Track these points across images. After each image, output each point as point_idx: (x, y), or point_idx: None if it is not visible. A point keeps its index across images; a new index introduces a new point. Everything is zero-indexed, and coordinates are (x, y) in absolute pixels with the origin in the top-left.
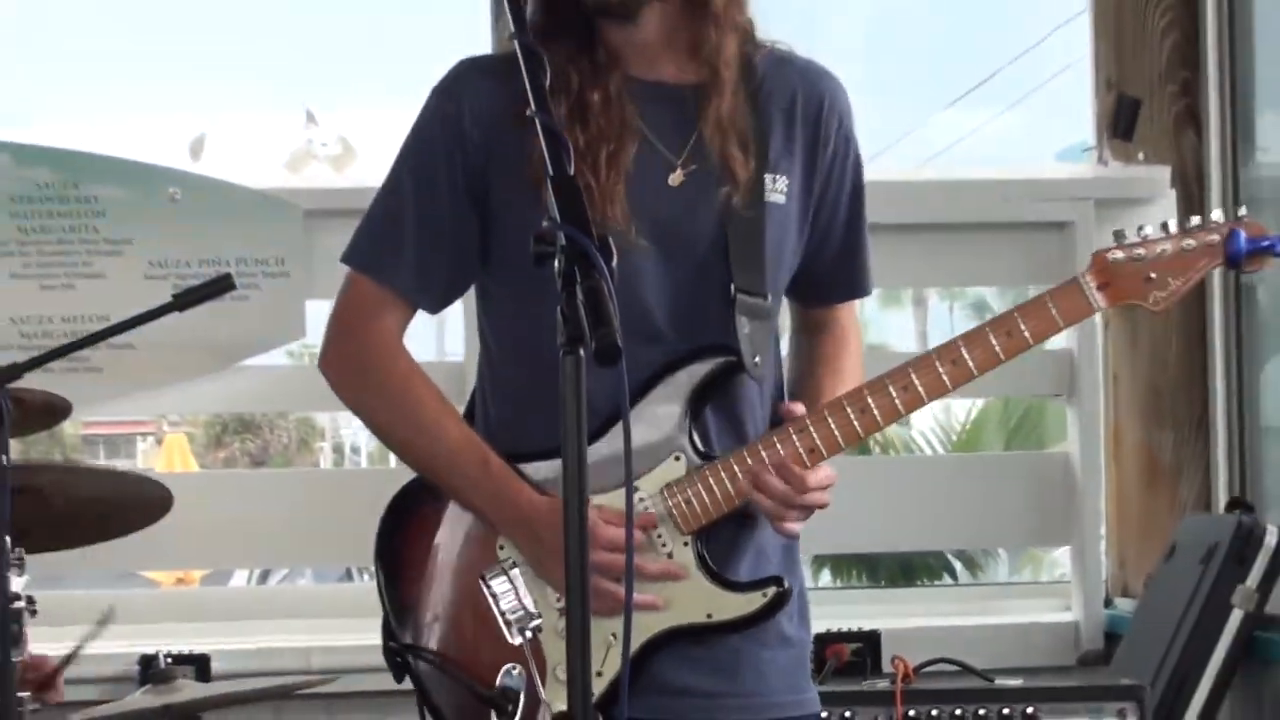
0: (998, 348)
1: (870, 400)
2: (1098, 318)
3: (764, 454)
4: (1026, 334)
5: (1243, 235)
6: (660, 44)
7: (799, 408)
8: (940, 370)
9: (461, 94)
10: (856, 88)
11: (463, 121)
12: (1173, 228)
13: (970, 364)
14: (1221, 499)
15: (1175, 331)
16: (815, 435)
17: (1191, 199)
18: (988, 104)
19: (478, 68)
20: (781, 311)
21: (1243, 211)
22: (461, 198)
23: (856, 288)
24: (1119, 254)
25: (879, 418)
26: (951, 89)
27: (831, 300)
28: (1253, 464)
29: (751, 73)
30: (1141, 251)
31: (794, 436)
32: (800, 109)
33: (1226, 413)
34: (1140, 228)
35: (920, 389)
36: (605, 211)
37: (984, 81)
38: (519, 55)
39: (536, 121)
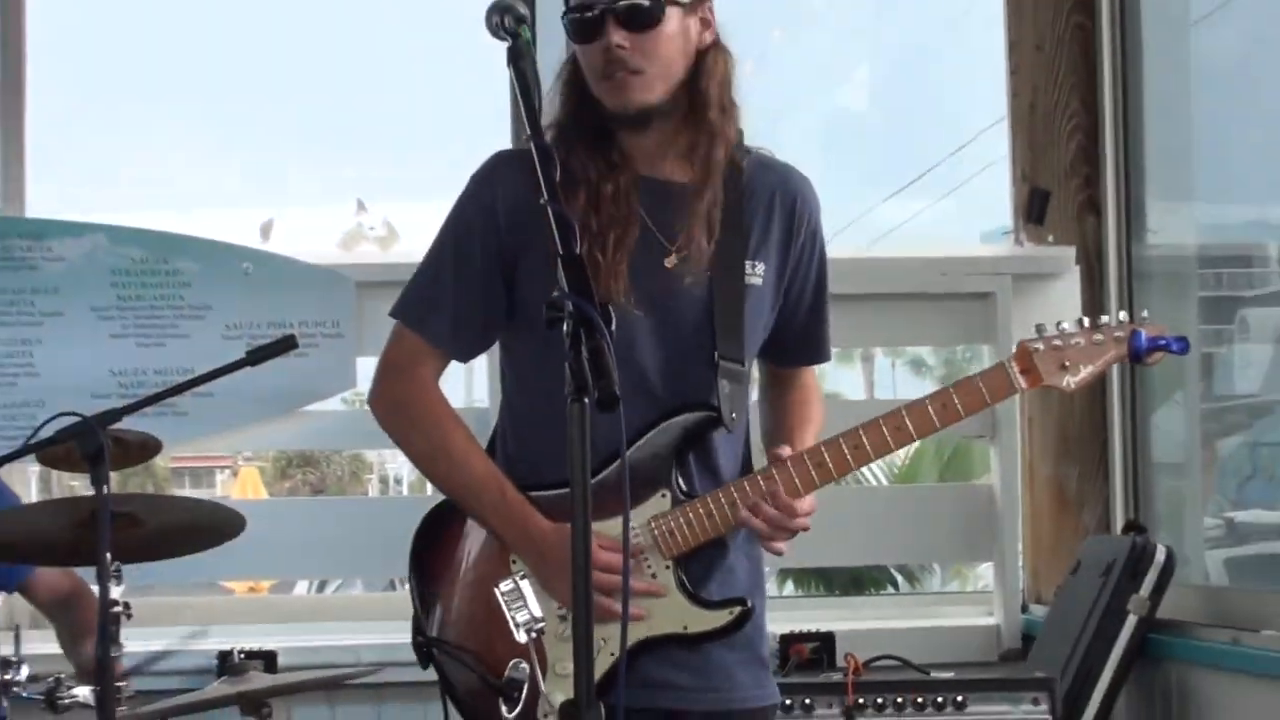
0: (934, 417)
1: (826, 456)
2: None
3: (735, 495)
4: (959, 407)
5: (1144, 334)
6: (663, 148)
7: (786, 449)
8: (885, 433)
9: (496, 182)
10: (815, 181)
11: (496, 205)
12: (1086, 323)
13: (910, 429)
14: (1118, 523)
15: None
16: (779, 481)
17: (1093, 274)
18: (924, 194)
19: (509, 159)
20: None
21: (1144, 314)
22: (493, 268)
23: (818, 354)
24: (1039, 345)
25: (833, 471)
26: (895, 182)
27: (797, 363)
28: (1144, 494)
29: (738, 174)
30: (1058, 343)
31: (761, 482)
32: (778, 206)
33: (1123, 452)
34: (1059, 323)
35: (868, 447)
36: (609, 284)
37: (921, 175)
38: (534, 154)
39: (548, 208)
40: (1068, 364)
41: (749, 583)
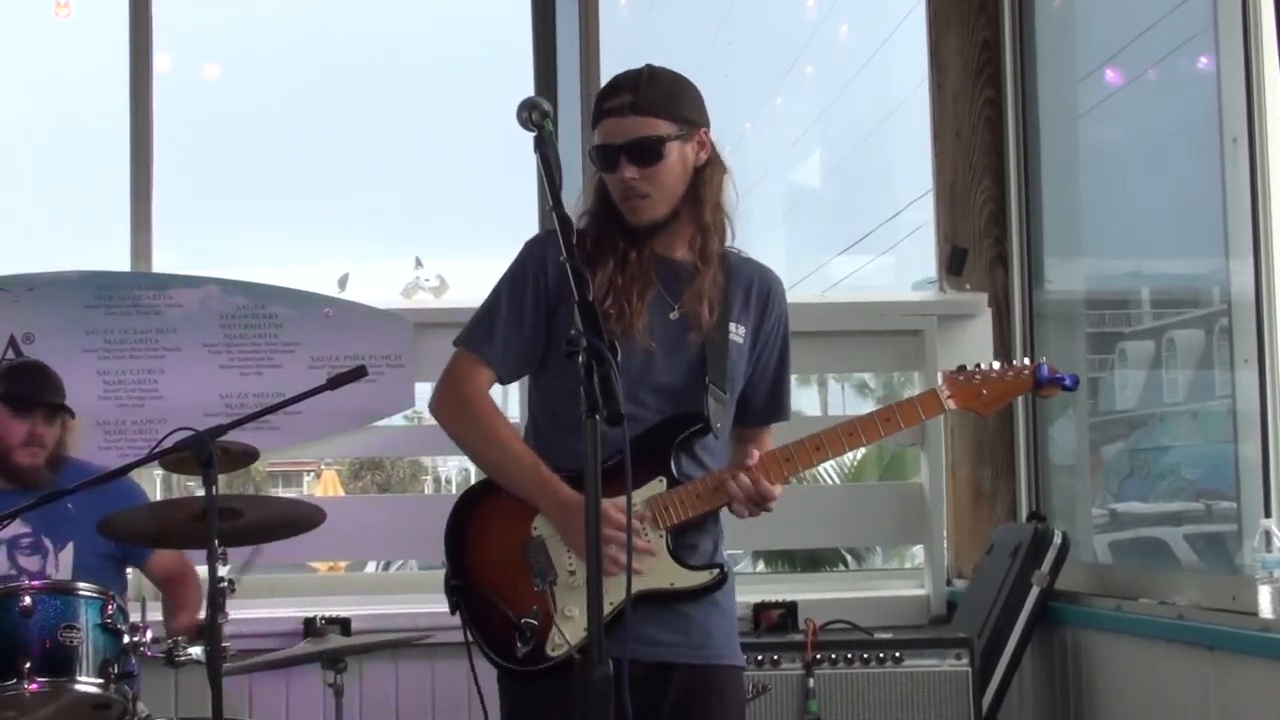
0: (880, 428)
1: (794, 453)
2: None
3: (717, 480)
4: (900, 421)
5: (1045, 367)
6: (673, 236)
7: (755, 453)
8: (842, 439)
9: (545, 250)
10: (781, 239)
11: (546, 265)
12: (999, 364)
13: (862, 436)
14: (1024, 513)
15: None
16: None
17: (1003, 315)
18: (867, 251)
19: (551, 236)
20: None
21: (1042, 359)
22: (540, 311)
23: (780, 413)
24: (961, 377)
25: (799, 466)
26: (843, 242)
27: (764, 421)
28: (1044, 490)
29: (727, 264)
30: (977, 377)
31: (740, 473)
32: (755, 292)
33: (1026, 456)
34: (978, 364)
35: (827, 449)
36: (634, 325)
37: (864, 237)
38: (555, 220)
39: (568, 267)
40: (984, 393)
41: (713, 554)
